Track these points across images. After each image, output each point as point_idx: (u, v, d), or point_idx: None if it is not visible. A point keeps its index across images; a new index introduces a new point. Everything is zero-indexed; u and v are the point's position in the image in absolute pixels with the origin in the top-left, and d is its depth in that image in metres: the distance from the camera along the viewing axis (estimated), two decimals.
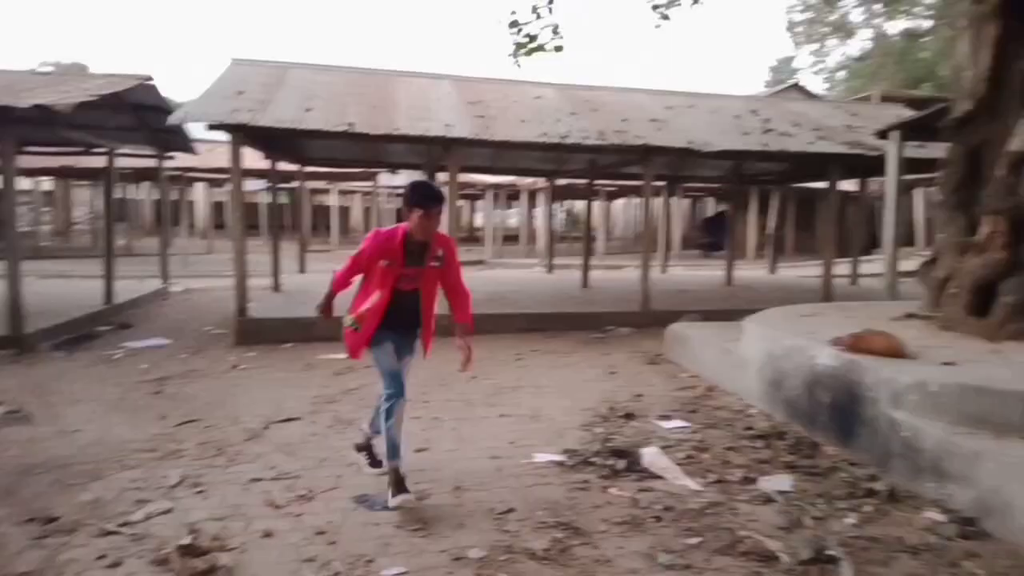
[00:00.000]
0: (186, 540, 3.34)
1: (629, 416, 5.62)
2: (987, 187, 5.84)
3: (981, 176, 6.03)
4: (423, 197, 3.77)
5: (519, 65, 10.10)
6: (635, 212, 33.98)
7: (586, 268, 14.47)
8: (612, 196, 30.03)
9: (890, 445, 4.26)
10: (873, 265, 15.70)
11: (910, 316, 6.32)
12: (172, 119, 8.48)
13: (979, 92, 6.02)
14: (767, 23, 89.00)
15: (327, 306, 4.03)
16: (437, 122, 9.37)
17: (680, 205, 29.77)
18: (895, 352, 4.79)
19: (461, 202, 32.62)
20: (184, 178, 22.25)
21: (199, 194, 30.61)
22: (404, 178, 23.19)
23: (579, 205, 35.17)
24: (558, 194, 22.54)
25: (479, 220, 35.10)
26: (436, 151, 10.53)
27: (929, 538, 3.51)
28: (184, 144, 11.92)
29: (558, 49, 9.96)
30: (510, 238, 31.92)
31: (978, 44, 6.10)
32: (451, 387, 6.47)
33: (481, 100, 10.80)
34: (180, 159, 13.43)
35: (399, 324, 3.95)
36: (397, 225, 3.93)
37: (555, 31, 9.93)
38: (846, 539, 3.47)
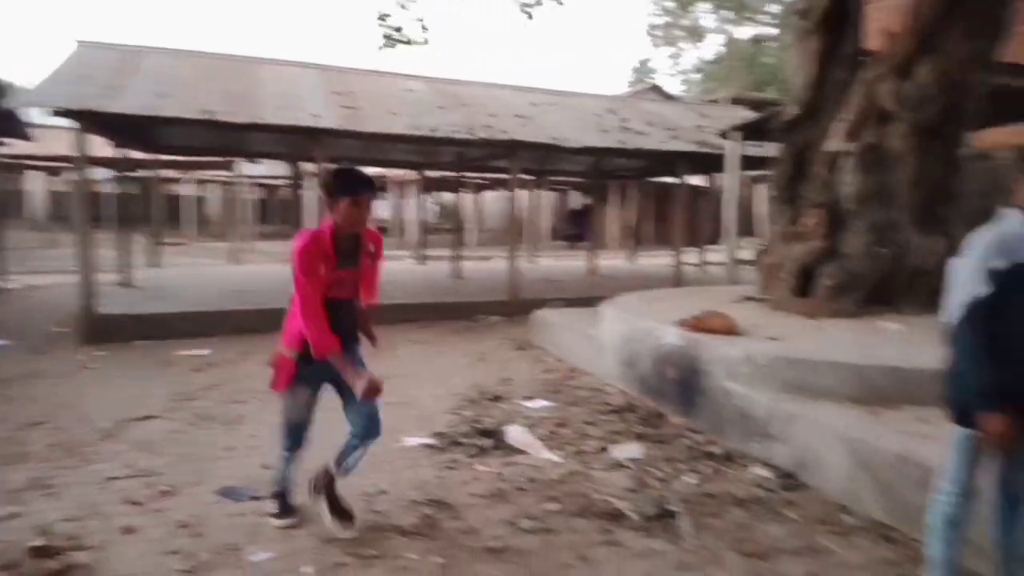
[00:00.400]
0: (37, 542, 3.21)
1: (497, 399, 5.87)
2: (809, 183, 6.56)
3: (806, 173, 6.77)
4: (352, 183, 3.21)
5: (387, 55, 10.12)
6: (505, 204, 34.57)
7: (457, 259, 14.68)
8: (482, 189, 30.43)
9: (725, 412, 4.76)
10: (719, 254, 17.00)
11: (747, 298, 7.00)
12: (11, 103, 7.81)
13: (804, 99, 6.75)
14: (631, 25, 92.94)
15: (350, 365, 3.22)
16: (304, 112, 9.21)
17: (547, 198, 30.64)
18: (730, 330, 5.33)
19: None
20: (18, 166, 20.30)
21: (36, 183, 27.99)
22: (267, 168, 22.40)
23: (450, 197, 35.37)
24: (429, 186, 22.58)
25: None
26: (303, 141, 10.33)
27: (756, 491, 3.98)
28: (18, 130, 10.95)
29: (424, 42, 10.07)
30: (380, 231, 31.50)
31: (803, 56, 6.83)
32: None
33: (350, 91, 10.70)
34: (14, 146, 12.31)
35: (343, 339, 3.29)
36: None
37: (422, 24, 10.03)
38: (686, 496, 3.88)
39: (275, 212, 35.36)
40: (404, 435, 4.89)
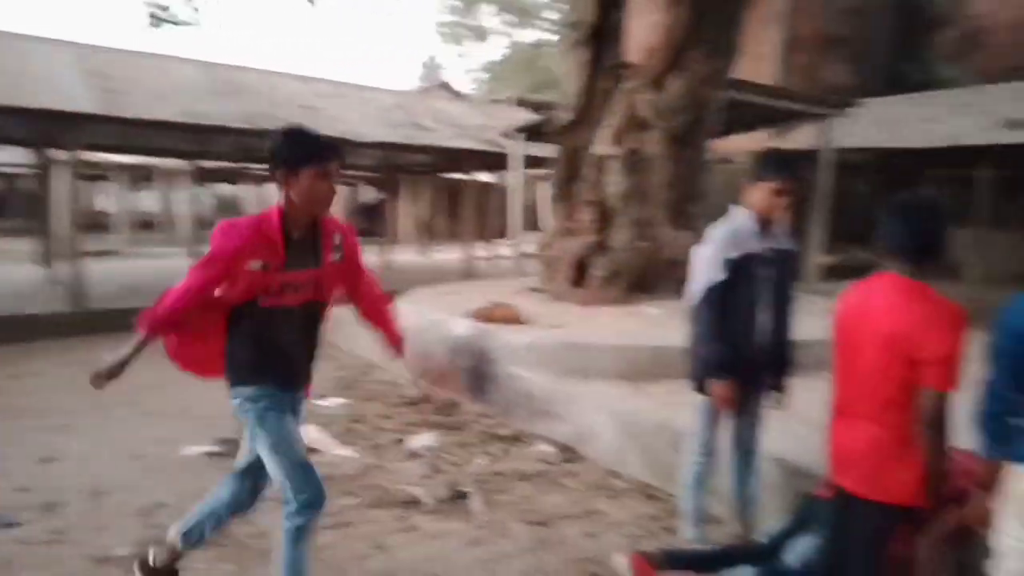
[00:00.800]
0: None
1: None
2: (582, 183, 7.15)
3: (579, 174, 7.35)
4: (313, 149, 2.41)
5: (159, 37, 9.32)
6: None
7: None
8: (265, 180, 28.90)
9: (512, 396, 5.09)
10: (507, 248, 17.80)
11: (531, 290, 7.46)
12: None
13: (575, 105, 7.30)
14: (421, 21, 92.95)
15: (122, 365, 2.49)
16: (53, 93, 8.19)
17: (337, 192, 29.89)
18: (515, 320, 5.69)
19: (83, 183, 28.43)
20: None
21: None
22: (7, 154, 19.53)
23: (229, 189, 33.14)
24: (204, 177, 21.02)
25: (104, 204, 30.91)
26: (50, 126, 9.17)
27: (540, 466, 4.32)
28: None
29: (194, 22, 9.42)
30: (146, 225, 28.75)
31: (574, 65, 7.38)
32: (83, 389, 5.84)
33: (110, 72, 9.68)
34: None
35: (283, 368, 2.53)
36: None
37: (192, 4, 9.36)
38: (478, 477, 4.11)
39: (16, 206, 30.86)
40: (182, 444, 4.62)
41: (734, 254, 2.92)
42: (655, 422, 4.08)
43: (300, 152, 2.40)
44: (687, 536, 3.18)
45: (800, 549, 2.74)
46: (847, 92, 13.56)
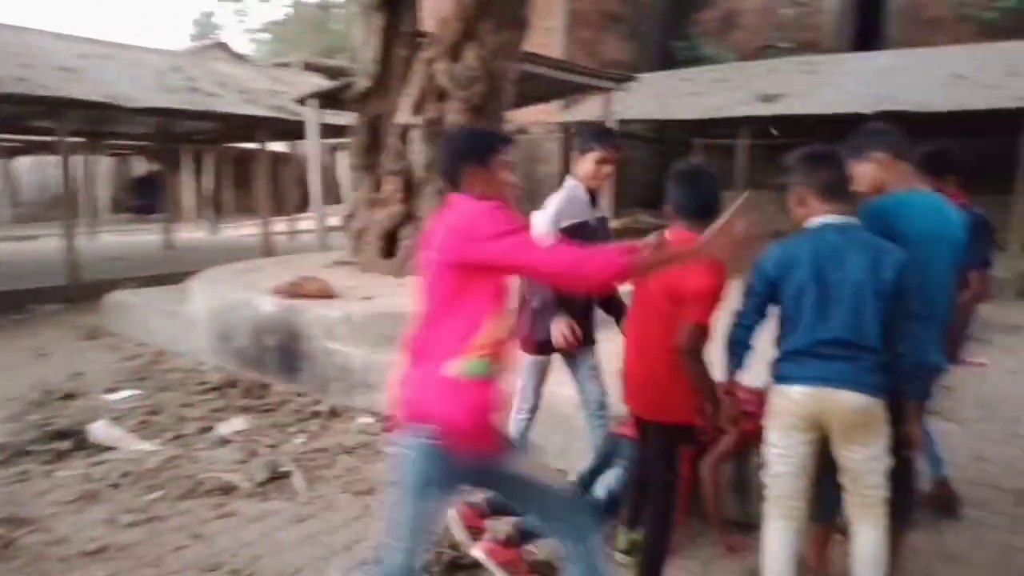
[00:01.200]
0: None
1: (69, 396, 5.16)
2: (385, 152, 7.08)
3: (381, 143, 7.26)
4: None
5: None
6: (50, 173, 29.17)
7: None
8: (15, 153, 25.12)
9: (328, 371, 5.01)
10: (308, 221, 17.14)
11: (339, 263, 7.31)
12: None
13: (372, 72, 7.17)
14: None
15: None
16: None
17: (105, 164, 26.79)
18: (325, 294, 5.56)
19: None
20: None
21: None
22: None
23: None
24: None
25: None
26: None
27: (363, 438, 4.33)
28: None
29: None
30: None
31: (369, 31, 7.23)
32: None
33: None
34: None
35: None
36: None
37: None
38: (297, 456, 4.03)
39: None
40: None
41: (567, 222, 3.10)
42: None
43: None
44: None
45: (606, 482, 3.05)
46: (626, 67, 14.65)
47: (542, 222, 3.14)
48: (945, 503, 3.33)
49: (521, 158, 8.30)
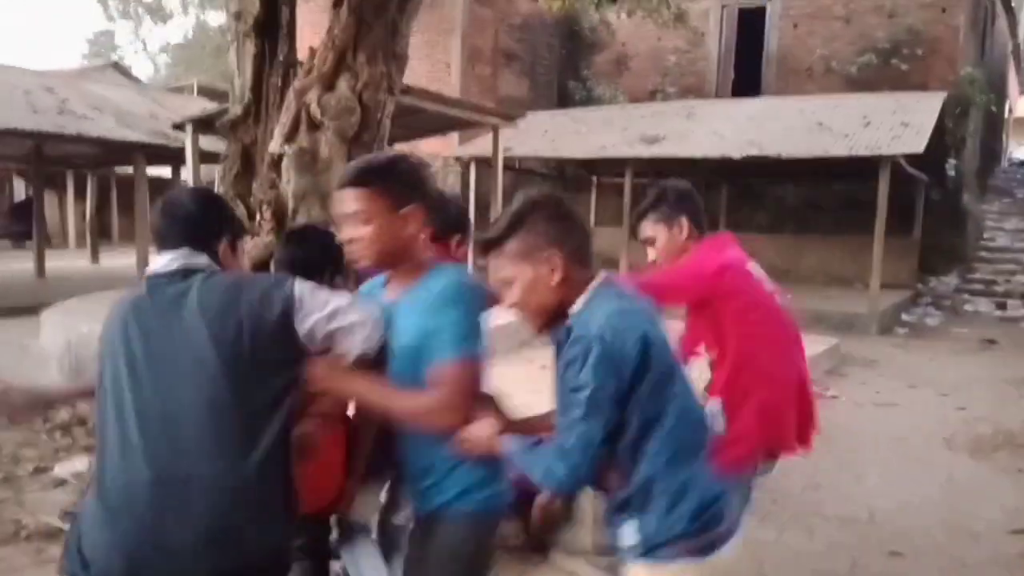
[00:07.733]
0: None
1: None
2: (258, 181, 6.97)
3: (254, 171, 7.14)
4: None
5: None
6: None
7: None
8: None
9: None
10: None
11: None
12: None
13: (245, 100, 7.07)
14: None
15: None
16: None
17: None
18: None
19: None
20: None
21: None
22: None
23: None
24: None
25: None
26: None
27: None
28: None
29: None
30: None
31: (242, 58, 7.14)
32: None
33: None
34: None
35: None
36: None
37: None
38: None
39: None
40: None
41: None
42: None
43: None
44: None
45: None
46: (522, 104, 15.05)
47: None
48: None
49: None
